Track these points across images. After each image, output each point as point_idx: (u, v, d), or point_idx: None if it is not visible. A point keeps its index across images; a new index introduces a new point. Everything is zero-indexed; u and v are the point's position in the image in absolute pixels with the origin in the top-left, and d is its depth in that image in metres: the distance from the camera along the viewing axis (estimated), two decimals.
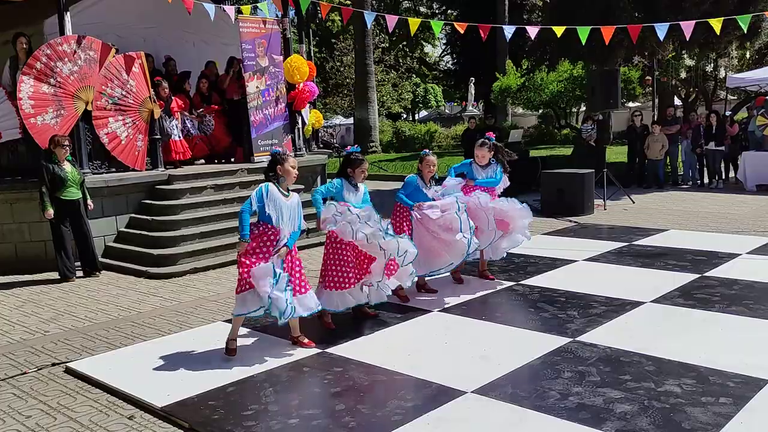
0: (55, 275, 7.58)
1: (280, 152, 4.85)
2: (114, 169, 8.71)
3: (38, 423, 3.90)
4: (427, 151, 6.10)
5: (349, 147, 5.56)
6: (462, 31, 10.16)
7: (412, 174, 6.00)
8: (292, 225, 4.75)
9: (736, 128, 13.32)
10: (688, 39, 10.16)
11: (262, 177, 9.47)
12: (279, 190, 4.70)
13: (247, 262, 4.53)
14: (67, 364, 4.79)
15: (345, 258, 5.11)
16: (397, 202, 5.94)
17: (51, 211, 7.34)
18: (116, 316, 6.05)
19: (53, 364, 4.85)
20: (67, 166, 7.51)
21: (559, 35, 9.92)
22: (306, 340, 4.88)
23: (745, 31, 10.69)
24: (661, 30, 9.49)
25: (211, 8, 8.92)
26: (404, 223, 5.86)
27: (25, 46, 8.28)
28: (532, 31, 9.83)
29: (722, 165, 13.32)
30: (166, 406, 3.96)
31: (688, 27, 9.31)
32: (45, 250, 8.03)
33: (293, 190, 4.92)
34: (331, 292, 5.12)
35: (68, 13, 8.36)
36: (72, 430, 3.79)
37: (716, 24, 9.20)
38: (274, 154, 4.84)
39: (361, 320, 5.40)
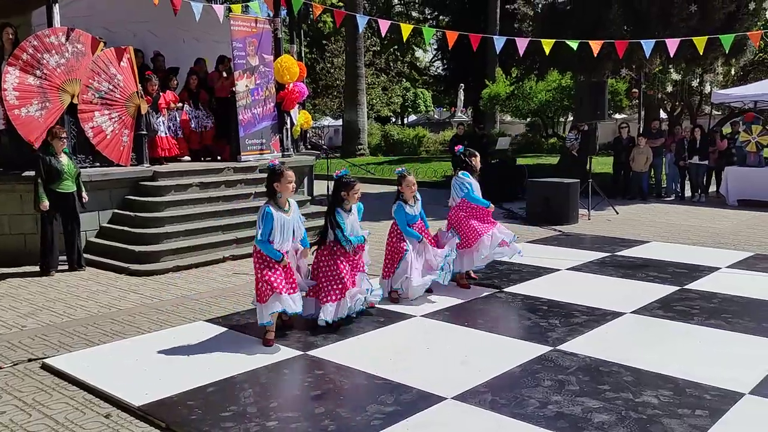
0: (34, 269, 7.49)
1: (277, 167, 4.88)
2: (98, 164, 8.63)
3: (12, 419, 3.84)
4: (403, 169, 6.09)
5: (338, 171, 5.54)
6: (451, 44, 10.20)
7: (396, 203, 5.98)
8: (296, 236, 4.99)
9: (725, 143, 13.49)
10: (673, 56, 10.28)
11: (247, 176, 9.45)
12: (279, 208, 4.81)
13: (273, 279, 4.72)
14: (44, 360, 4.73)
15: (339, 270, 5.21)
16: (399, 228, 5.98)
17: (46, 203, 7.26)
18: (95, 312, 5.98)
19: (29, 360, 4.78)
20: (64, 159, 7.44)
21: (547, 52, 9.99)
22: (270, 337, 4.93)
23: (727, 51, 10.84)
24: (647, 46, 9.59)
25: (197, 7, 8.86)
26: (401, 243, 5.94)
27: (11, 36, 8.17)
28: (521, 44, 9.88)
29: (705, 179, 13.48)
30: (144, 405, 3.92)
31: (673, 44, 9.43)
32: (24, 243, 7.94)
33: None
34: (326, 305, 5.18)
35: (57, 5, 8.27)
36: (47, 427, 3.74)
37: (700, 43, 9.31)
38: (270, 168, 4.89)
39: (343, 323, 5.38)
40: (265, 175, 5.36)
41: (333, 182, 5.52)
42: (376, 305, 5.75)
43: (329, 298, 5.17)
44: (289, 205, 4.91)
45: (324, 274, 5.26)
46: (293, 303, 4.80)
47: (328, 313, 5.13)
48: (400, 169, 6.17)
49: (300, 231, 5.06)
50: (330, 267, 5.25)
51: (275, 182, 4.81)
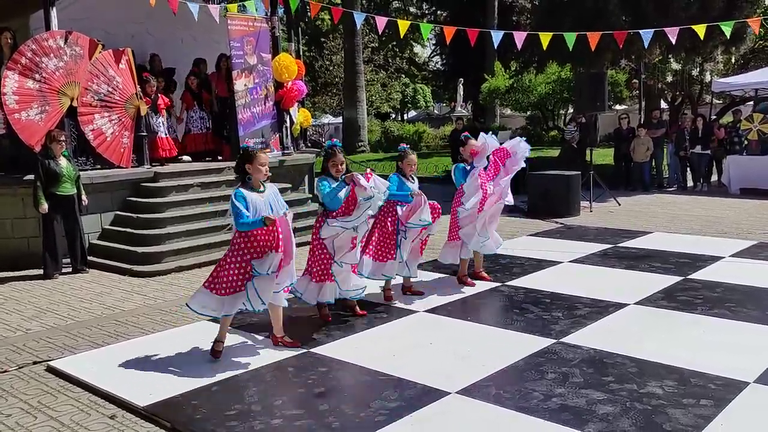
0: (37, 272, 7.51)
1: (250, 148, 4.60)
2: (99, 166, 8.64)
3: (18, 422, 3.86)
4: (406, 146, 5.94)
5: (326, 142, 5.50)
6: (449, 39, 10.19)
7: (392, 174, 5.83)
8: (277, 210, 4.61)
9: (722, 132, 13.45)
10: (674, 44, 10.26)
11: None
12: (252, 189, 4.52)
13: (233, 270, 4.47)
14: (49, 362, 4.75)
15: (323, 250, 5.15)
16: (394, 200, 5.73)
17: (45, 206, 7.28)
18: (99, 314, 5.99)
19: (34, 363, 4.79)
20: (63, 162, 7.46)
21: (545, 46, 9.95)
22: (289, 340, 4.85)
23: (728, 37, 10.82)
24: (646, 36, 9.56)
25: (195, 8, 8.86)
26: (387, 219, 5.70)
27: (9, 40, 8.19)
28: (519, 38, 9.85)
29: (707, 168, 13.44)
30: (149, 406, 3.93)
31: (673, 33, 9.40)
32: (27, 245, 7.95)
33: (280, 190, 4.85)
34: (316, 284, 5.19)
35: (54, 8, 8.27)
36: (53, 429, 3.75)
37: (700, 30, 9.29)
38: (243, 149, 4.62)
39: (345, 320, 5.39)
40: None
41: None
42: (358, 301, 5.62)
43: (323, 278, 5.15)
44: (264, 186, 4.61)
45: (318, 255, 5.19)
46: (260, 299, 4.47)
47: (326, 294, 5.16)
48: (404, 145, 5.98)
49: (281, 205, 4.68)
50: (321, 246, 5.16)
51: (247, 164, 4.51)
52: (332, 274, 5.18)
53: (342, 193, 5.04)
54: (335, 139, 5.59)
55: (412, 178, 5.88)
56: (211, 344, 4.73)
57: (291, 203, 9.26)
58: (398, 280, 6.08)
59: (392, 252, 5.69)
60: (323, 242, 5.15)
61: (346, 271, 5.26)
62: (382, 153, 25.19)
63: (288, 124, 10.89)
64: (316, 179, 5.20)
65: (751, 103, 15.73)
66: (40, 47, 8.00)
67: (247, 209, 4.41)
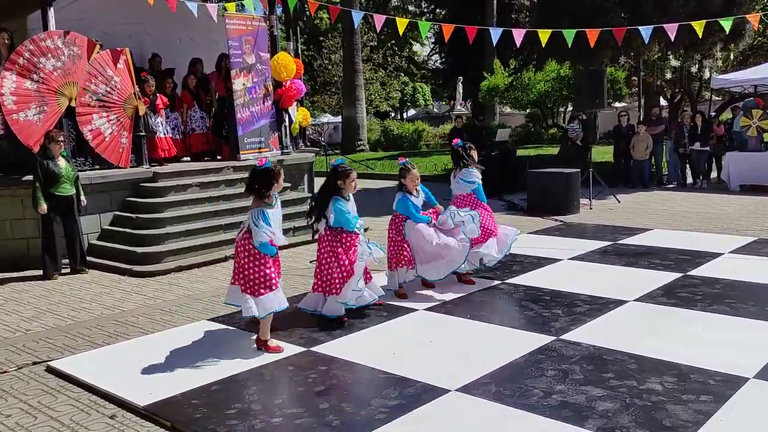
0: (37, 273, 7.50)
1: (273, 168, 4.76)
2: (98, 166, 8.64)
3: (18, 422, 3.86)
4: (406, 161, 5.96)
5: (334, 159, 5.53)
6: (447, 37, 10.19)
7: (398, 193, 5.88)
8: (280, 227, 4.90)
9: (722, 129, 13.45)
10: (673, 41, 10.25)
11: (247, 175, 9.41)
12: (268, 206, 4.70)
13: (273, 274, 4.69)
14: (49, 362, 4.75)
15: (341, 262, 5.19)
16: (398, 221, 5.90)
17: (45, 206, 7.27)
18: (99, 314, 5.99)
19: (34, 363, 4.79)
20: (62, 162, 7.45)
21: (544, 43, 9.95)
22: (273, 345, 4.80)
23: (728, 33, 10.81)
24: (645, 33, 9.56)
25: (194, 7, 8.86)
26: (393, 230, 5.94)
27: (7, 41, 8.19)
28: (518, 36, 9.85)
29: (706, 165, 13.44)
30: (149, 405, 3.93)
31: (672, 29, 9.39)
32: (27, 247, 7.95)
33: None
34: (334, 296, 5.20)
35: (52, 9, 8.27)
36: (53, 429, 3.75)
37: (699, 27, 9.28)
38: (266, 170, 4.72)
39: (349, 317, 5.38)
40: None
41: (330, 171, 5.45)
42: (383, 303, 5.71)
43: (335, 290, 5.17)
44: (275, 199, 4.83)
45: (326, 266, 5.23)
46: (283, 299, 4.78)
47: (333, 308, 5.18)
48: (404, 161, 5.99)
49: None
50: (331, 258, 5.21)
51: (275, 182, 4.71)
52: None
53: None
54: (342, 157, 5.67)
55: (417, 192, 5.91)
56: (259, 343, 4.79)
57: (290, 202, 9.27)
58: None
59: (405, 259, 5.80)
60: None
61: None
62: (381, 152, 25.19)
63: (287, 124, 10.89)
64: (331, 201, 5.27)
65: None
66: (37, 47, 8.00)
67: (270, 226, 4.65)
